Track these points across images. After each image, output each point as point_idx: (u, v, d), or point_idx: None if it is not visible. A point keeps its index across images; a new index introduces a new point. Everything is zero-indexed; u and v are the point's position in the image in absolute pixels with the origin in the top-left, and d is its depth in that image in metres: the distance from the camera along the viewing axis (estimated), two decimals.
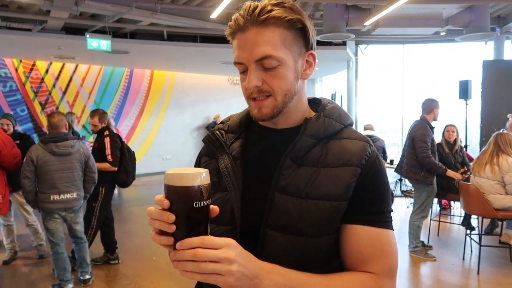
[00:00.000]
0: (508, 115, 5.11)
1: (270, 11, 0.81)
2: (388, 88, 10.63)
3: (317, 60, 0.91)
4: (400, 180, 7.32)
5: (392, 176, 7.25)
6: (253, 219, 0.85)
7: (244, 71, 0.86)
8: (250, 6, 0.82)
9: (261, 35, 0.81)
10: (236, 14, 0.84)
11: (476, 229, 4.82)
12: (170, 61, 9.65)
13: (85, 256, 3.63)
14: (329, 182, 0.82)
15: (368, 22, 6.80)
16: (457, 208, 6.32)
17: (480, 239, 4.02)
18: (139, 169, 6.51)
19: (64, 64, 9.54)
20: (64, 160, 3.38)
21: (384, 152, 6.63)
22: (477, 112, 7.18)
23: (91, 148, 4.06)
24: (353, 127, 0.95)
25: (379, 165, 0.87)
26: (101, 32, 7.23)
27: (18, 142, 4.09)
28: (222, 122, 1.02)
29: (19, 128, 8.23)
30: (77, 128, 8.20)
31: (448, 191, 4.53)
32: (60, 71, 9.55)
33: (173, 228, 0.66)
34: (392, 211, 0.88)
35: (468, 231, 4.50)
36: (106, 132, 4.03)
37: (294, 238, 0.82)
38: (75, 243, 3.61)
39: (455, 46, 9.24)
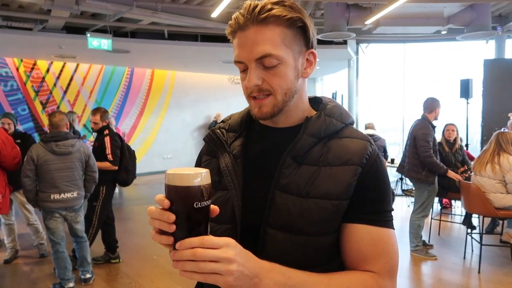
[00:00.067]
0: (509, 114, 5.10)
1: (270, 9, 0.81)
2: (389, 87, 10.62)
3: (317, 59, 0.91)
4: (401, 179, 7.32)
5: (393, 175, 7.25)
6: (254, 218, 0.85)
7: (244, 70, 0.86)
8: (250, 5, 0.82)
9: (261, 34, 0.81)
10: (236, 13, 0.84)
11: (477, 228, 4.82)
12: (170, 60, 9.66)
13: (86, 255, 3.64)
14: (329, 181, 0.82)
15: (369, 21, 6.80)
16: (458, 207, 6.32)
17: (481, 238, 4.02)
18: (140, 168, 6.51)
19: (65, 64, 9.55)
20: (65, 159, 3.38)
21: (385, 151, 6.62)
22: (478, 111, 7.17)
23: (91, 147, 4.06)
24: (354, 126, 0.95)
25: (380, 164, 0.87)
26: (102, 31, 7.24)
27: (19, 141, 4.09)
28: (223, 121, 1.01)
29: (20, 128, 8.25)
30: (78, 127, 8.22)
31: (449, 190, 4.53)
32: (61, 71, 9.56)
33: (173, 228, 0.66)
34: (393, 210, 0.88)
35: (469, 230, 4.50)
36: (106, 131, 4.03)
37: (294, 237, 0.82)
38: (76, 242, 3.62)
39: (456, 45, 9.23)
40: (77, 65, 9.75)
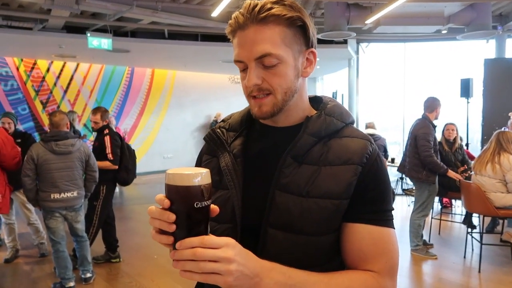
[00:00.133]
0: (510, 113, 5.10)
1: (270, 9, 0.81)
2: (389, 87, 10.62)
3: (318, 58, 0.91)
4: (401, 178, 7.32)
5: (393, 174, 7.25)
6: (254, 217, 0.85)
7: (244, 69, 0.86)
8: (250, 4, 0.82)
9: (260, 33, 0.81)
10: (236, 12, 0.84)
11: (477, 227, 4.82)
12: (171, 59, 9.66)
13: (87, 255, 3.64)
14: (330, 181, 0.82)
15: (369, 20, 6.79)
16: (458, 207, 6.32)
17: (481, 237, 4.02)
18: (140, 168, 6.51)
19: (65, 63, 9.55)
20: (65, 158, 3.38)
21: (385, 150, 6.62)
22: (478, 111, 7.16)
23: (91, 146, 4.06)
24: (354, 125, 0.94)
25: (380, 163, 0.87)
26: (102, 30, 7.24)
27: (19, 141, 4.10)
28: (223, 120, 1.01)
29: (21, 127, 8.25)
30: (78, 127, 8.22)
31: (449, 189, 4.52)
32: (61, 70, 9.56)
33: (173, 227, 0.66)
34: (393, 209, 0.88)
35: (469, 230, 4.50)
36: (106, 131, 4.03)
37: (295, 237, 0.82)
38: (76, 242, 3.62)
39: (456, 44, 9.22)
40: (77, 65, 9.75)
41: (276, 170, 0.85)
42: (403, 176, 6.88)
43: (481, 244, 3.96)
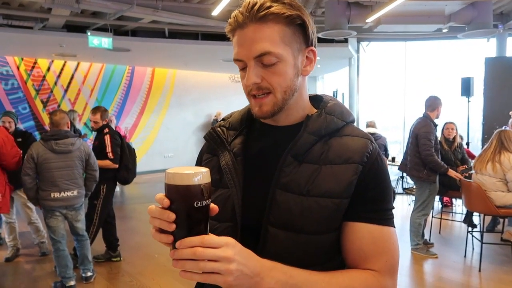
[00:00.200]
0: (510, 112, 5.09)
1: (269, 7, 0.80)
2: (390, 86, 10.61)
3: (318, 57, 0.91)
4: (402, 177, 7.32)
5: (393, 173, 7.25)
6: (254, 216, 0.84)
7: (243, 68, 0.86)
8: (249, 3, 0.81)
9: (259, 32, 0.81)
10: (235, 11, 0.84)
11: (478, 226, 4.82)
12: (171, 58, 9.65)
13: (87, 254, 3.64)
14: (330, 180, 0.82)
15: (370, 19, 6.78)
16: (458, 206, 6.32)
17: (481, 236, 4.02)
18: (141, 167, 6.51)
19: (65, 62, 9.55)
20: (65, 158, 3.38)
21: (385, 150, 6.62)
22: (479, 109, 7.16)
23: (91, 146, 4.06)
24: (355, 124, 0.94)
25: (381, 162, 0.86)
26: (102, 29, 7.24)
27: (20, 140, 4.10)
28: (223, 119, 1.01)
29: (21, 126, 8.25)
30: (79, 126, 8.22)
31: (450, 188, 4.52)
32: (62, 69, 9.56)
33: (173, 227, 0.66)
34: (393, 208, 0.88)
35: (470, 229, 4.50)
36: (106, 130, 4.03)
37: (295, 236, 0.81)
38: (76, 241, 3.63)
39: (457, 43, 9.21)
40: (78, 64, 9.75)
41: (276, 169, 0.85)
42: (404, 175, 6.88)
43: (482, 243, 3.95)
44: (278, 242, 0.82)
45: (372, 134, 6.26)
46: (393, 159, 7.07)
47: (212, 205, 0.71)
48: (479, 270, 3.86)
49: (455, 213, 6.09)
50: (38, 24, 6.76)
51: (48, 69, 9.38)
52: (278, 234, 0.82)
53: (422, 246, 4.32)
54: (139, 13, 6.66)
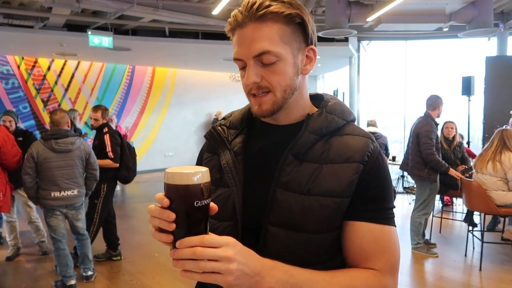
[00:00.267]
0: (511, 111, 5.08)
1: (268, 6, 0.80)
2: (390, 85, 10.59)
3: (318, 56, 0.91)
4: (402, 176, 7.32)
5: (394, 172, 7.25)
6: (255, 215, 0.84)
7: (243, 67, 0.85)
8: (248, 2, 0.81)
9: (259, 31, 0.81)
10: (235, 10, 0.84)
11: (478, 225, 4.82)
12: (171, 57, 9.65)
13: (87, 253, 3.65)
14: (331, 179, 0.82)
15: (371, 18, 6.77)
16: (459, 205, 6.32)
17: (482, 235, 4.01)
18: (141, 166, 6.50)
19: (66, 61, 9.55)
20: (65, 157, 3.38)
21: (386, 149, 6.61)
22: (479, 109, 7.15)
23: (91, 145, 4.06)
24: (355, 123, 0.94)
25: (382, 161, 0.86)
26: (102, 29, 7.23)
27: (20, 139, 4.10)
28: (224, 118, 1.01)
29: (21, 125, 8.25)
30: (79, 125, 8.23)
31: (450, 187, 4.52)
32: (62, 68, 9.56)
33: (173, 226, 0.66)
34: (394, 207, 0.88)
35: (470, 228, 4.50)
36: (106, 129, 4.03)
37: (296, 235, 0.81)
38: (77, 240, 3.63)
39: (458, 42, 9.19)
40: (78, 63, 9.75)
41: (277, 168, 0.85)
42: (404, 174, 6.88)
43: (482, 242, 3.95)
44: (279, 241, 0.82)
45: (373, 133, 6.25)
46: (393, 158, 7.06)
47: (211, 204, 0.71)
48: (480, 269, 3.86)
49: (456, 212, 6.09)
50: (39, 23, 6.76)
51: (49, 68, 9.38)
52: (279, 233, 0.82)
53: (422, 245, 4.31)
54: (139, 12, 6.65)
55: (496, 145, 3.86)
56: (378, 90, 10.76)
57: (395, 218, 0.87)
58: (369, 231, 0.83)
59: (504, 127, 4.19)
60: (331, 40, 8.15)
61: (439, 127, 4.69)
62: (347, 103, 9.23)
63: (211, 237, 0.67)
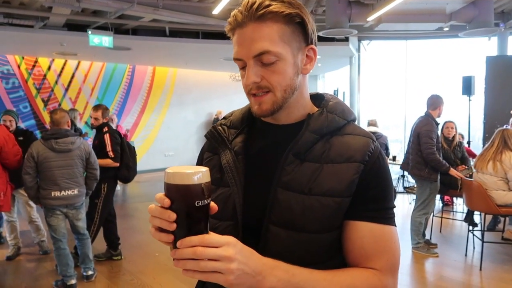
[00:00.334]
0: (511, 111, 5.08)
1: (268, 6, 0.80)
2: (390, 84, 10.58)
3: (319, 56, 0.91)
4: (403, 176, 7.32)
5: (394, 172, 7.24)
6: (255, 215, 0.84)
7: (243, 67, 0.85)
8: (248, 2, 0.81)
9: (258, 31, 0.81)
10: (235, 10, 0.84)
11: (479, 225, 4.81)
12: (172, 57, 9.65)
13: (88, 252, 3.65)
14: (332, 178, 0.82)
15: (371, 18, 6.77)
16: (459, 205, 6.32)
17: (482, 235, 4.01)
18: (142, 166, 6.51)
19: (66, 61, 9.55)
20: (65, 156, 3.39)
21: (386, 148, 6.61)
22: (480, 108, 7.15)
23: (91, 145, 4.06)
24: (356, 123, 0.94)
25: (382, 161, 0.86)
26: (103, 28, 7.23)
27: (21, 138, 4.11)
28: (224, 118, 1.01)
29: (22, 125, 8.26)
30: (80, 124, 8.23)
31: (450, 187, 4.52)
32: (63, 68, 9.56)
33: (173, 226, 0.66)
34: (394, 207, 0.88)
35: (471, 228, 4.49)
36: (106, 129, 4.03)
37: (297, 235, 0.81)
38: (77, 239, 3.63)
39: (458, 42, 9.18)
40: (79, 63, 9.75)
41: (277, 167, 0.85)
42: (405, 174, 6.88)
43: (483, 242, 3.95)
44: (279, 241, 0.82)
45: (374, 133, 6.25)
46: (394, 158, 7.06)
47: (212, 204, 0.71)
48: (480, 269, 3.86)
49: (456, 212, 6.09)
50: (39, 22, 6.76)
51: (49, 68, 9.38)
52: (279, 232, 0.82)
53: (423, 245, 4.31)
54: (139, 12, 6.65)
55: (497, 145, 3.85)
56: (378, 90, 10.76)
57: (395, 218, 0.87)
58: (369, 231, 0.83)
59: (504, 126, 4.19)
60: (332, 39, 8.15)
61: (439, 127, 4.70)
62: (347, 102, 9.23)
63: (212, 237, 0.67)
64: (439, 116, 4.29)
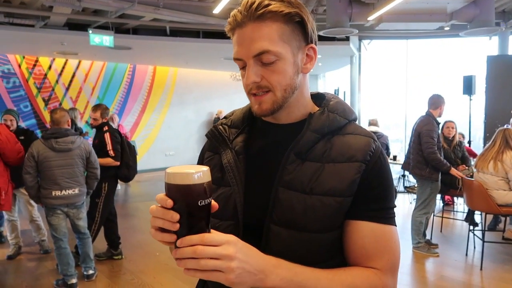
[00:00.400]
0: None
1: (267, 5, 0.80)
2: (391, 84, 10.58)
3: (319, 55, 0.91)
4: (403, 176, 7.32)
5: (395, 172, 7.24)
6: (256, 214, 0.84)
7: (243, 67, 0.86)
8: (248, 2, 0.81)
9: (258, 31, 0.81)
10: (235, 10, 0.84)
11: (479, 225, 4.81)
12: (172, 56, 9.65)
13: (89, 252, 3.65)
14: (333, 178, 0.82)
15: (372, 17, 6.76)
16: (460, 204, 6.31)
17: (483, 235, 4.01)
18: (142, 165, 6.51)
19: (67, 60, 9.56)
20: (65, 156, 3.39)
21: (387, 148, 6.61)
22: (481, 108, 7.14)
23: (91, 144, 4.06)
24: (357, 122, 0.94)
25: (384, 161, 0.86)
26: (103, 28, 7.23)
27: (22, 138, 4.11)
28: (225, 117, 1.01)
29: (23, 124, 8.25)
30: (81, 124, 8.23)
31: (451, 187, 4.52)
32: (63, 67, 9.57)
33: (177, 226, 0.66)
34: (395, 207, 0.88)
35: (471, 227, 4.49)
36: (106, 128, 4.04)
37: (298, 234, 0.81)
38: (78, 239, 3.63)
39: (459, 41, 9.17)
40: (79, 62, 9.75)
41: (279, 167, 0.85)
42: (405, 173, 6.87)
43: (483, 241, 3.95)
44: (281, 240, 0.82)
45: (374, 132, 6.24)
46: (394, 158, 7.06)
47: (212, 202, 0.71)
48: (481, 269, 3.86)
49: (457, 211, 6.08)
50: (40, 22, 6.76)
51: (50, 67, 9.38)
52: (281, 232, 0.82)
53: (423, 245, 4.31)
54: (140, 11, 6.65)
55: (499, 144, 3.85)
56: (379, 89, 10.75)
57: (395, 218, 0.87)
58: (370, 231, 0.83)
59: (505, 126, 4.18)
60: (332, 39, 8.14)
61: (440, 126, 4.69)
62: (348, 102, 9.20)
63: (212, 235, 0.67)
64: (440, 116, 4.28)
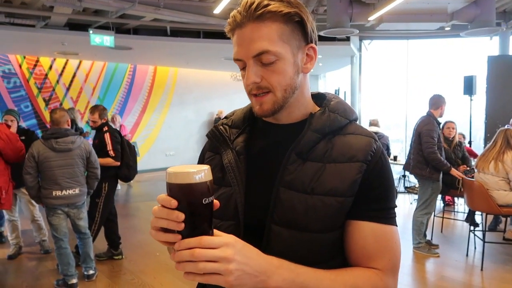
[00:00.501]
0: None
1: (266, 5, 0.80)
2: (392, 84, 10.57)
3: (320, 56, 0.91)
4: (404, 176, 7.31)
5: (396, 172, 7.23)
6: (257, 214, 0.84)
7: (243, 68, 0.86)
8: (247, 2, 0.81)
9: (257, 31, 0.81)
10: (234, 11, 0.84)
11: (480, 225, 4.81)
12: (173, 57, 9.65)
13: (89, 252, 3.65)
14: (334, 178, 0.82)
15: (372, 17, 6.76)
16: (461, 205, 6.31)
17: (483, 235, 4.01)
18: (143, 165, 6.51)
19: (67, 60, 9.56)
20: (65, 156, 3.39)
21: (388, 148, 6.61)
22: (481, 108, 7.13)
23: (91, 144, 4.07)
24: (357, 122, 0.94)
25: (385, 161, 0.86)
26: (104, 28, 7.23)
27: (23, 138, 4.12)
28: (226, 117, 1.01)
29: (23, 124, 8.25)
30: (81, 124, 8.23)
31: (451, 187, 4.51)
32: (64, 67, 9.57)
33: (182, 226, 0.66)
34: (396, 207, 0.88)
35: (472, 228, 4.49)
36: (106, 128, 4.04)
37: (299, 234, 0.81)
38: (79, 239, 3.64)
39: (459, 41, 9.17)
40: (80, 62, 9.76)
41: (280, 167, 0.85)
42: (406, 173, 6.87)
43: (484, 242, 3.95)
44: (282, 240, 0.82)
45: (375, 133, 6.23)
46: (395, 158, 7.05)
47: (214, 200, 0.71)
48: (481, 269, 3.85)
49: (457, 212, 6.08)
50: (40, 22, 6.76)
51: (50, 67, 9.39)
52: (282, 232, 0.82)
53: (424, 245, 4.31)
54: (141, 11, 6.65)
55: (500, 145, 3.84)
56: (379, 90, 10.75)
57: (396, 218, 0.87)
58: (371, 231, 0.83)
59: (506, 126, 4.18)
60: (333, 39, 8.14)
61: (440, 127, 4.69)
62: (348, 102, 9.17)
63: (210, 238, 0.67)
64: (441, 116, 4.28)
